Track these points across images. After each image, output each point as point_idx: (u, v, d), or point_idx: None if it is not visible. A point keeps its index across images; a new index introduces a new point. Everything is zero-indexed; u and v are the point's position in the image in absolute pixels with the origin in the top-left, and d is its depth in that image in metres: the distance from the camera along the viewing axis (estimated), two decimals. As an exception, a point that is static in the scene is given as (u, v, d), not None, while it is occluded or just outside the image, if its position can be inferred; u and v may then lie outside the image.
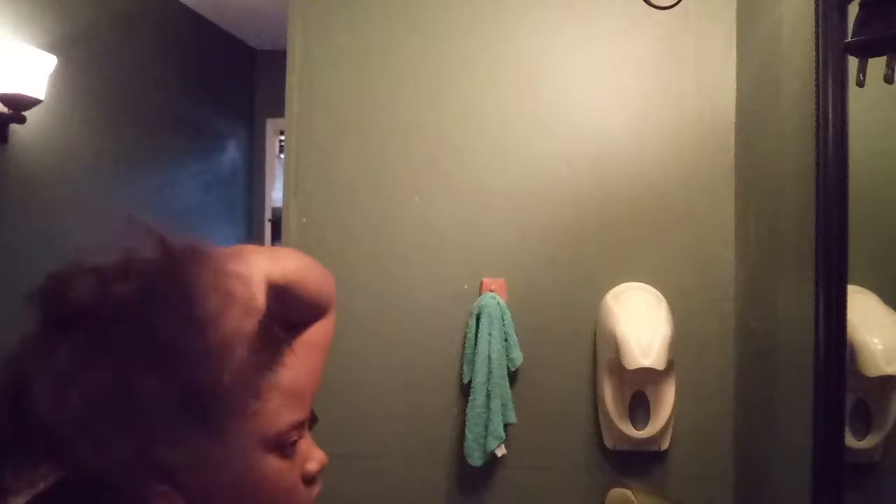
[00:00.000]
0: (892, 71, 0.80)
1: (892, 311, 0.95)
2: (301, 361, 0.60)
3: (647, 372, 1.28)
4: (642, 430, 1.39)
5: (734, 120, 1.44)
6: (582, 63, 1.49)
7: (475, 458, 1.41)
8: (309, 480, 0.60)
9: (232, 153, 4.01)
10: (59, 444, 0.43)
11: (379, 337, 1.52)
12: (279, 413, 0.55)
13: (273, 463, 0.56)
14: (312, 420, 0.78)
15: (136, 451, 0.43)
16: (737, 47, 1.44)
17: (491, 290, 1.47)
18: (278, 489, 0.56)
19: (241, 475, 0.54)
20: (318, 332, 0.75)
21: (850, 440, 0.98)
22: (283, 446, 0.56)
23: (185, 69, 3.42)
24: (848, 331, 0.96)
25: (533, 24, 1.50)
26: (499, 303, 1.44)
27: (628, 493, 1.31)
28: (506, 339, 1.44)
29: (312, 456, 0.61)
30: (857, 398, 0.99)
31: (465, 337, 1.49)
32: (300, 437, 0.58)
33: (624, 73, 1.47)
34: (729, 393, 1.43)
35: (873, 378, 0.94)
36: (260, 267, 0.55)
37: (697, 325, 1.44)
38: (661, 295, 1.42)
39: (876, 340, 0.95)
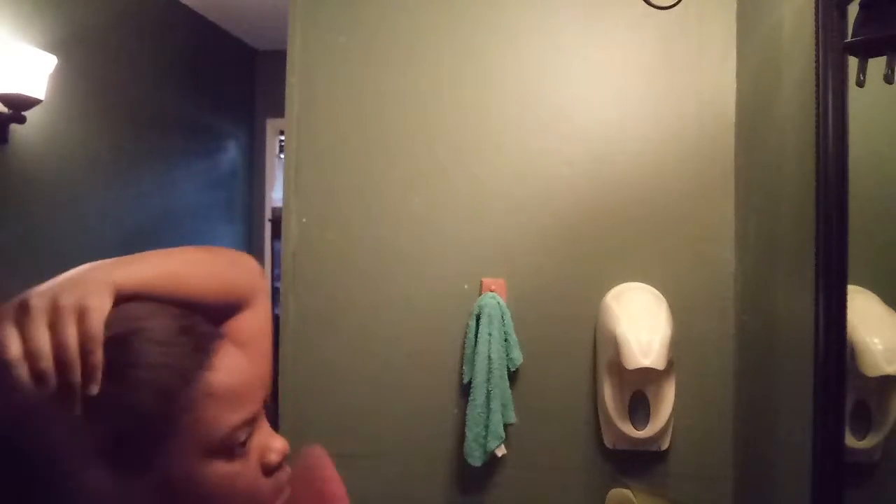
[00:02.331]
0: (892, 71, 0.80)
1: (892, 311, 0.95)
2: (233, 359, 0.57)
3: (647, 372, 1.28)
4: (642, 429, 1.39)
5: (734, 120, 1.44)
6: (582, 63, 1.49)
7: (475, 458, 1.41)
8: (271, 470, 0.58)
9: (232, 153, 4.01)
10: None
11: (379, 337, 1.52)
12: (217, 418, 0.54)
13: (222, 468, 0.54)
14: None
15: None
16: (737, 47, 1.44)
17: (491, 290, 1.47)
18: (235, 491, 0.55)
19: (188, 489, 0.53)
20: (242, 328, 0.70)
21: (850, 440, 0.98)
22: (230, 450, 0.55)
23: (185, 69, 3.42)
24: (848, 331, 0.96)
25: (533, 24, 1.50)
26: (499, 303, 1.44)
27: (628, 493, 1.32)
28: (506, 339, 1.44)
29: (271, 446, 0.59)
30: (857, 398, 0.99)
31: (465, 337, 1.49)
32: (250, 435, 0.57)
33: (624, 72, 1.47)
34: (729, 393, 1.43)
35: (873, 378, 0.94)
36: (95, 279, 0.52)
37: (697, 325, 1.44)
38: (661, 295, 1.42)
39: (876, 340, 0.95)
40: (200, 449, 0.53)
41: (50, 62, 2.28)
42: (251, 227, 4.20)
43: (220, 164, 3.87)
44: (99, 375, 0.49)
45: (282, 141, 4.08)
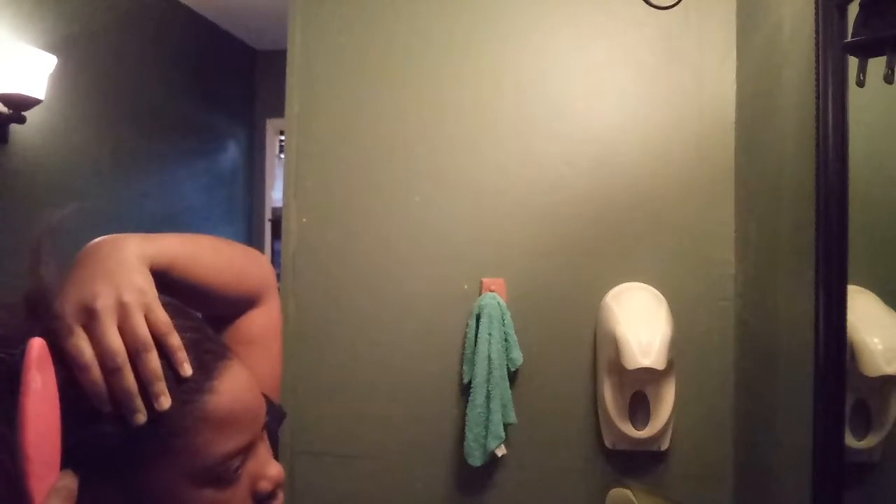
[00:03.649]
0: (892, 71, 0.80)
1: (892, 311, 0.95)
2: (238, 382, 0.54)
3: (646, 372, 1.28)
4: (642, 429, 1.39)
5: (734, 120, 1.44)
6: (582, 63, 1.49)
7: (475, 458, 1.41)
8: (263, 499, 0.55)
9: (232, 153, 4.01)
10: None
11: (379, 337, 1.52)
12: (210, 445, 0.50)
13: (208, 496, 0.50)
14: (280, 418, 0.71)
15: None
16: (737, 47, 1.44)
17: (491, 290, 1.47)
18: None
19: None
20: (253, 326, 0.68)
21: (850, 440, 0.98)
22: (218, 477, 0.51)
23: (185, 69, 3.42)
24: (848, 331, 0.96)
25: (533, 24, 1.50)
26: (499, 303, 1.44)
27: (628, 493, 1.31)
28: (506, 339, 1.44)
29: (265, 473, 0.55)
30: (857, 398, 0.99)
31: (465, 337, 1.49)
32: (242, 464, 0.53)
33: (624, 72, 1.47)
34: (729, 393, 1.43)
35: (873, 378, 0.94)
36: (132, 256, 0.52)
37: (697, 325, 1.44)
38: (661, 295, 1.42)
39: (876, 340, 0.95)
40: (186, 474, 0.49)
41: (50, 62, 2.29)
42: (251, 227, 4.20)
43: (220, 164, 3.88)
44: (185, 355, 0.49)
45: (282, 141, 4.09)
